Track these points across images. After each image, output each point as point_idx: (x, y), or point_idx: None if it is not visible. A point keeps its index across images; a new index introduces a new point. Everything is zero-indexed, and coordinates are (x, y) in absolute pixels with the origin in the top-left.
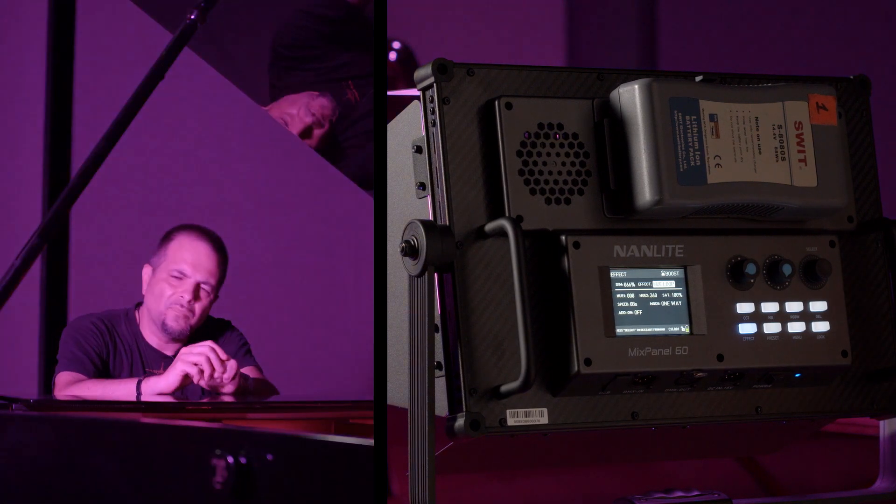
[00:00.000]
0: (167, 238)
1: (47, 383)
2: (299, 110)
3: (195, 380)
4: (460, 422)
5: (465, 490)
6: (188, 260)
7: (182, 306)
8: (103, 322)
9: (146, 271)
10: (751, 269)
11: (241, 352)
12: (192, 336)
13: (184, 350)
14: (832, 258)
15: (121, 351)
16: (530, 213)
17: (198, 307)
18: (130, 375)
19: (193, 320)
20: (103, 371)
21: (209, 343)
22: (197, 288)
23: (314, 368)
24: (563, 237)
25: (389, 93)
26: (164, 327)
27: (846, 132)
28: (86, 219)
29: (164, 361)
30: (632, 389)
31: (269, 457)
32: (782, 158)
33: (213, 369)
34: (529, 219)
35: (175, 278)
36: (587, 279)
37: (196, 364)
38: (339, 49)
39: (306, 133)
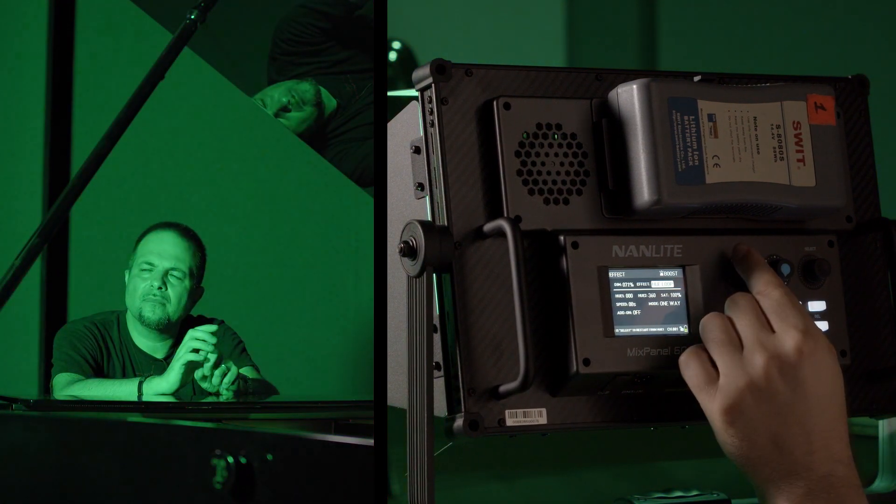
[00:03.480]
0: (138, 240)
1: (47, 384)
2: (278, 92)
3: (200, 365)
4: (459, 422)
5: (464, 490)
6: (154, 251)
7: (154, 295)
8: (96, 326)
9: (126, 276)
10: None
11: (237, 351)
12: (181, 333)
13: (176, 352)
14: (831, 258)
15: (113, 355)
16: (529, 213)
17: (172, 294)
18: (124, 378)
19: (171, 308)
20: (98, 373)
21: (191, 330)
22: (166, 275)
23: (314, 368)
24: (562, 237)
25: (389, 93)
26: (142, 320)
27: (845, 132)
28: (86, 219)
29: (155, 365)
30: (631, 389)
31: (269, 457)
32: (781, 158)
33: (210, 347)
34: (528, 219)
35: (144, 271)
36: (586, 279)
37: (193, 351)
38: (338, 46)
39: (281, 113)
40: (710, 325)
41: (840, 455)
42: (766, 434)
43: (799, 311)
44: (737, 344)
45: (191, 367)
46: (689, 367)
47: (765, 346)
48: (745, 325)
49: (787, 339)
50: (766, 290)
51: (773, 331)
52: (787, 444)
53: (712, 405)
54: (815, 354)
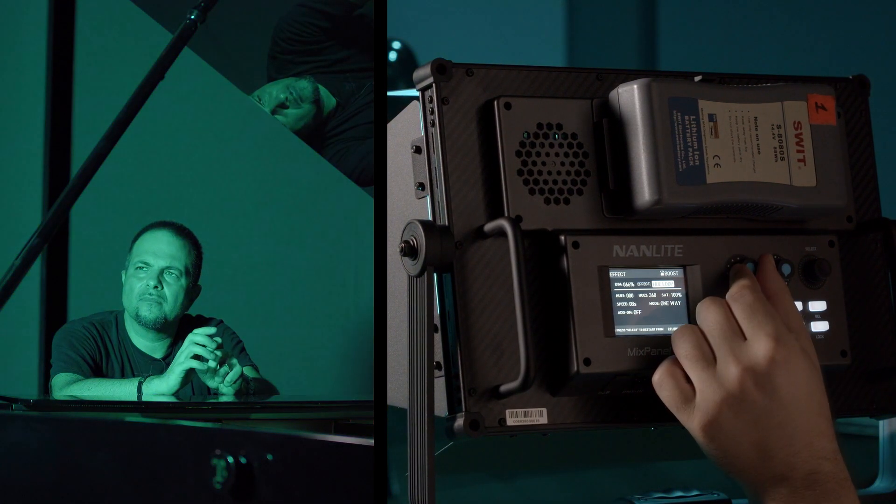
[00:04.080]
0: (133, 240)
1: (47, 384)
2: (276, 88)
3: (200, 368)
4: (459, 422)
5: (465, 490)
6: (149, 250)
7: (150, 294)
8: (94, 327)
9: (123, 277)
10: (750, 268)
11: (236, 351)
12: (179, 332)
13: (176, 355)
14: (831, 258)
15: (112, 355)
16: (529, 213)
17: (168, 293)
18: (123, 378)
19: (168, 307)
20: (97, 373)
21: (191, 333)
22: (162, 273)
23: (314, 368)
24: (563, 237)
25: (389, 93)
26: (139, 319)
27: (845, 132)
28: (86, 219)
29: (153, 365)
30: (631, 389)
31: (269, 457)
32: (781, 158)
33: (211, 350)
34: (528, 219)
35: (140, 269)
36: (586, 279)
37: (194, 357)
38: (337, 45)
39: (279, 110)
40: (681, 340)
41: (824, 451)
42: (749, 443)
43: (770, 315)
44: (709, 357)
45: (191, 372)
46: (664, 388)
47: (738, 358)
48: (715, 337)
49: (759, 347)
50: (739, 293)
51: (744, 338)
52: (770, 450)
53: (691, 423)
54: (788, 361)
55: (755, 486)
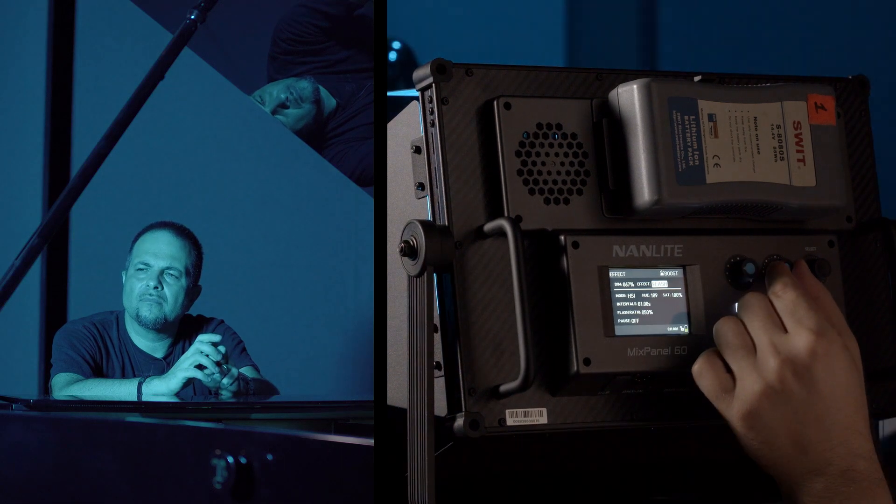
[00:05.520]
0: (133, 240)
1: (47, 384)
2: (277, 89)
3: (203, 380)
4: (459, 422)
5: (464, 490)
6: (149, 251)
7: (150, 295)
8: (95, 326)
9: (123, 277)
10: (750, 268)
11: (237, 351)
12: (180, 332)
13: (180, 360)
14: (831, 258)
15: (112, 355)
16: (529, 213)
17: (168, 293)
18: (124, 378)
19: (168, 307)
20: (98, 373)
21: (197, 340)
22: (162, 274)
23: (314, 368)
24: (563, 237)
25: (389, 93)
26: (139, 320)
27: (845, 132)
28: (86, 219)
29: (154, 364)
30: (631, 389)
31: (269, 457)
32: (781, 158)
33: (214, 361)
34: (528, 219)
35: (140, 271)
36: (586, 279)
37: (198, 366)
38: (338, 46)
39: (280, 110)
40: (724, 330)
41: (860, 450)
42: (786, 435)
43: (813, 311)
44: (750, 348)
45: (193, 379)
46: (704, 377)
47: (777, 349)
48: (757, 328)
49: (799, 339)
50: (782, 291)
51: (786, 331)
52: (806, 444)
53: (730, 412)
54: (828, 354)
55: (790, 479)
